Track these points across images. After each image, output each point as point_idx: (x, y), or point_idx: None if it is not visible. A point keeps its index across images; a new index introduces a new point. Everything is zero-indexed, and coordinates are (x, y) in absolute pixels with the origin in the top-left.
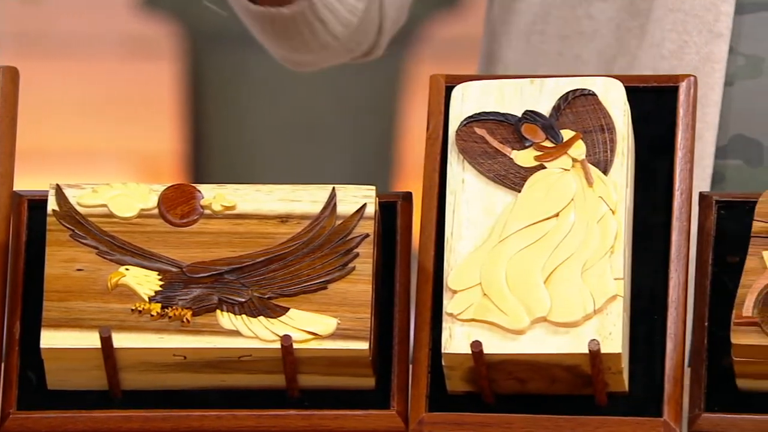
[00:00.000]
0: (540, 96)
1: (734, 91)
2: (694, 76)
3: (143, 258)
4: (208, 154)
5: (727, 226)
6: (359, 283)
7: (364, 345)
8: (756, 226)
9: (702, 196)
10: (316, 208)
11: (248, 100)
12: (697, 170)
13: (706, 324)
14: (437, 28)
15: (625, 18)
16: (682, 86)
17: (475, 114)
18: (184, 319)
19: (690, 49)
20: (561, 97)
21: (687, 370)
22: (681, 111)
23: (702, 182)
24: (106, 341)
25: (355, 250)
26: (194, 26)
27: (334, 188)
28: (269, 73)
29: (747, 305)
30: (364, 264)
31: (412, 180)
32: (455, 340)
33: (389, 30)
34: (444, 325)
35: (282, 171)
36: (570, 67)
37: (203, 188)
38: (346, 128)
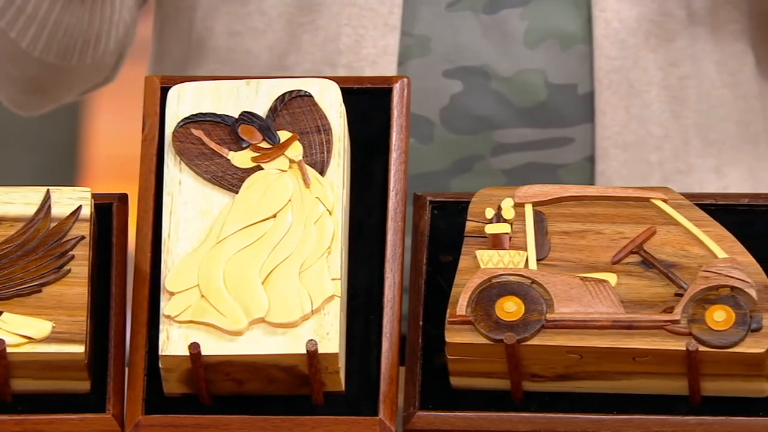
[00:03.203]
0: (256, 97)
1: (404, 70)
2: (408, 78)
3: None
4: None
5: (441, 226)
6: (75, 285)
7: (79, 348)
8: (469, 225)
9: (416, 197)
10: (29, 210)
11: None
12: None
13: (421, 323)
14: None
15: (296, 13)
16: (396, 88)
17: (192, 115)
18: None
19: (367, 43)
20: (277, 98)
21: (402, 369)
22: (395, 112)
23: None
24: None
25: (71, 253)
26: None
27: (48, 190)
28: None
29: (461, 304)
30: (80, 266)
31: (100, 181)
32: (172, 342)
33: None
34: (161, 327)
35: None
36: (241, 63)
37: None
38: (30, 130)
